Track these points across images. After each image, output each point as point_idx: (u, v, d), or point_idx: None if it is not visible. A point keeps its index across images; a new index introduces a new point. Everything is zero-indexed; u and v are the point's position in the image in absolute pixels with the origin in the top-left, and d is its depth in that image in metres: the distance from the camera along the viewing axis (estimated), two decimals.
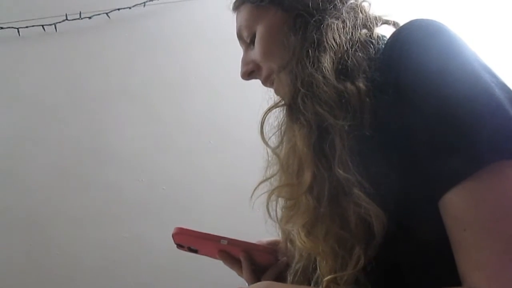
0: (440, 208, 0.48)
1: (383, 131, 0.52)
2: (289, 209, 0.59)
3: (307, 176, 0.54)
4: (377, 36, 0.60)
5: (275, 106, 0.62)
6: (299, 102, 0.57)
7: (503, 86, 0.49)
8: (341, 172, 0.52)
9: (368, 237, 0.51)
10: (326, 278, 0.54)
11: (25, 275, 1.50)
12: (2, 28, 1.61)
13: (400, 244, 0.51)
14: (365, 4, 0.64)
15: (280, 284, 0.65)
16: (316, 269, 0.59)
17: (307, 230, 0.56)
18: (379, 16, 0.64)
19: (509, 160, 0.45)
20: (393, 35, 0.57)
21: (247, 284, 0.77)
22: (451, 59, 0.50)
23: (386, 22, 0.64)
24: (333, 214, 0.53)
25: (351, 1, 0.63)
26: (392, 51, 0.54)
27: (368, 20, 0.62)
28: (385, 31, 0.61)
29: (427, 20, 0.55)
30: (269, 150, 0.62)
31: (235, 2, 0.71)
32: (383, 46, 0.58)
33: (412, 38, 0.53)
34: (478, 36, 1.40)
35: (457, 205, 0.46)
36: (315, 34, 0.59)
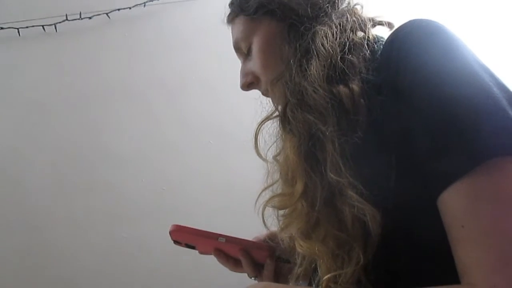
0: (438, 206, 0.48)
1: (380, 131, 0.53)
2: (286, 217, 0.60)
3: (299, 185, 0.56)
4: (373, 37, 0.60)
5: (268, 118, 0.64)
6: (289, 113, 0.58)
7: (501, 86, 0.49)
8: (333, 176, 0.52)
9: (365, 237, 0.51)
10: (325, 277, 0.54)
11: (23, 276, 1.50)
12: (2, 28, 1.61)
13: (400, 244, 0.51)
14: (357, 7, 0.65)
15: (280, 285, 0.65)
16: (317, 270, 0.60)
17: (304, 235, 0.57)
18: (372, 18, 0.64)
19: (506, 157, 0.45)
20: (392, 35, 0.57)
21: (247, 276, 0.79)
22: (449, 59, 0.50)
23: (380, 23, 0.64)
24: (330, 217, 0.54)
25: (343, 6, 0.64)
26: (391, 51, 0.55)
27: (361, 22, 0.62)
28: (382, 32, 0.61)
29: (426, 20, 0.55)
30: (269, 159, 0.63)
31: (229, 15, 0.72)
32: (381, 47, 0.58)
33: (410, 37, 0.53)
34: (476, 36, 1.40)
35: (455, 202, 0.46)
36: (304, 42, 0.60)
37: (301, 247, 0.57)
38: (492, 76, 0.50)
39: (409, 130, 0.50)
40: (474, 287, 0.44)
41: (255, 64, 0.68)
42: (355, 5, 0.65)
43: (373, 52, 0.58)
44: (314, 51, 0.58)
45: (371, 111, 0.53)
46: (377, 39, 0.60)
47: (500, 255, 0.43)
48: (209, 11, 1.69)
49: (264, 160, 0.64)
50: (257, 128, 0.64)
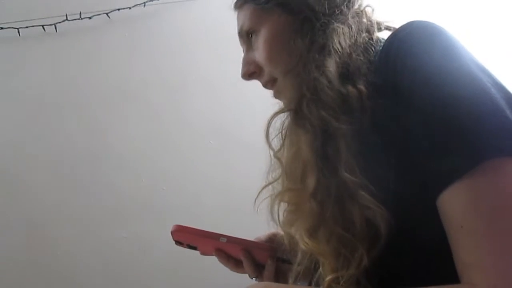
0: (438, 207, 0.49)
1: (382, 132, 0.53)
2: (292, 213, 0.60)
3: (311, 181, 0.55)
4: (376, 40, 0.61)
5: (282, 111, 0.62)
6: (304, 107, 0.57)
7: (499, 86, 0.50)
8: (347, 175, 0.52)
9: (372, 238, 0.51)
10: (328, 278, 0.54)
11: (24, 275, 1.50)
12: (2, 28, 1.61)
13: (400, 244, 0.51)
14: (368, 9, 0.65)
15: (280, 285, 0.65)
16: (317, 269, 0.59)
17: (310, 233, 0.56)
18: (381, 22, 0.64)
19: (505, 157, 0.46)
20: (391, 36, 0.57)
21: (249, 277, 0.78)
22: (449, 60, 0.51)
23: (388, 28, 0.64)
24: (337, 217, 0.53)
25: (355, 7, 0.64)
26: (389, 51, 0.55)
27: (371, 25, 0.62)
28: (385, 35, 0.62)
29: (424, 21, 0.55)
30: (272, 154, 0.62)
31: (237, 1, 0.69)
32: (380, 48, 0.58)
33: (410, 38, 0.54)
34: (474, 37, 1.40)
35: (454, 202, 0.46)
36: (322, 38, 0.60)
37: (306, 244, 0.57)
38: (490, 77, 0.50)
39: (409, 130, 0.50)
40: (474, 287, 0.44)
41: (260, 54, 0.66)
42: (366, 6, 0.65)
43: (375, 53, 0.58)
44: (331, 47, 0.58)
45: (374, 112, 0.53)
46: (380, 41, 0.61)
47: (500, 255, 0.44)
48: (209, 11, 1.69)
49: (273, 151, 0.62)
50: (270, 120, 0.62)
